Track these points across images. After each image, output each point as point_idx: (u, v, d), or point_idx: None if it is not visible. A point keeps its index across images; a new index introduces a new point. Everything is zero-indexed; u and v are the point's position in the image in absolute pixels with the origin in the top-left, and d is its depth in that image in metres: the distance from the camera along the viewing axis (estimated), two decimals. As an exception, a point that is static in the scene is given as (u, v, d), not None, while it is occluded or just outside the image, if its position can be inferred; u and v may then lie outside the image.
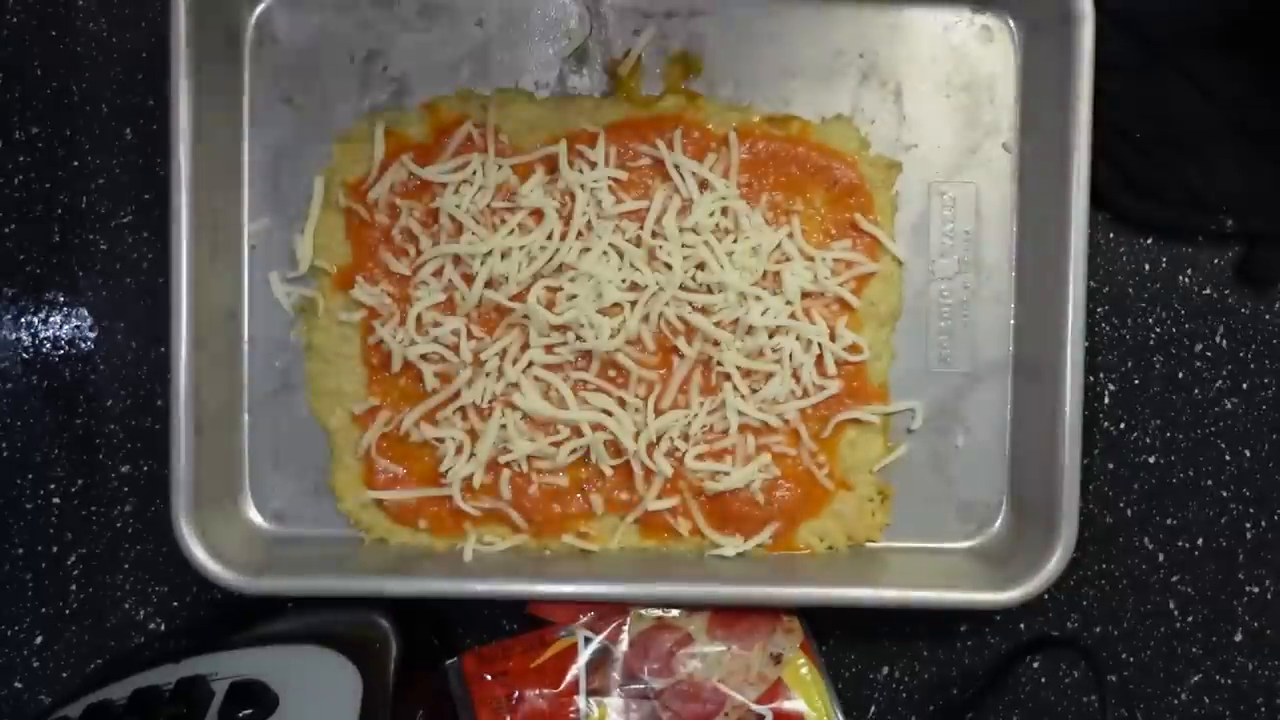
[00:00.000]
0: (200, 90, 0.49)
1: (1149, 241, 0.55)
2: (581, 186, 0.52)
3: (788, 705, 0.51)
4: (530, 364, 0.52)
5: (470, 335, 0.52)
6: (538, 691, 0.51)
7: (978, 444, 0.54)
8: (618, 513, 0.53)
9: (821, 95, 0.53)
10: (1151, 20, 0.53)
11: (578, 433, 0.52)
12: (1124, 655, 0.56)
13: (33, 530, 0.56)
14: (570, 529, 0.53)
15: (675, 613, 0.52)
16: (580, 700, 0.51)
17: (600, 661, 0.52)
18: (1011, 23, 0.53)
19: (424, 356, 0.52)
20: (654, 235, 0.52)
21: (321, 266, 0.53)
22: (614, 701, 0.51)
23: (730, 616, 0.52)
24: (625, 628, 0.52)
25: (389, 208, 0.53)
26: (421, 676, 0.51)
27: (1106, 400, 0.55)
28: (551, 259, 0.52)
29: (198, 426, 0.50)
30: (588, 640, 0.52)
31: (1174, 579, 0.56)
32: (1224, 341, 0.55)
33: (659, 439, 0.52)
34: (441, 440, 0.52)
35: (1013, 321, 0.54)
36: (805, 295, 0.52)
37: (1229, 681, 0.56)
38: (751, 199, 0.53)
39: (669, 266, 0.52)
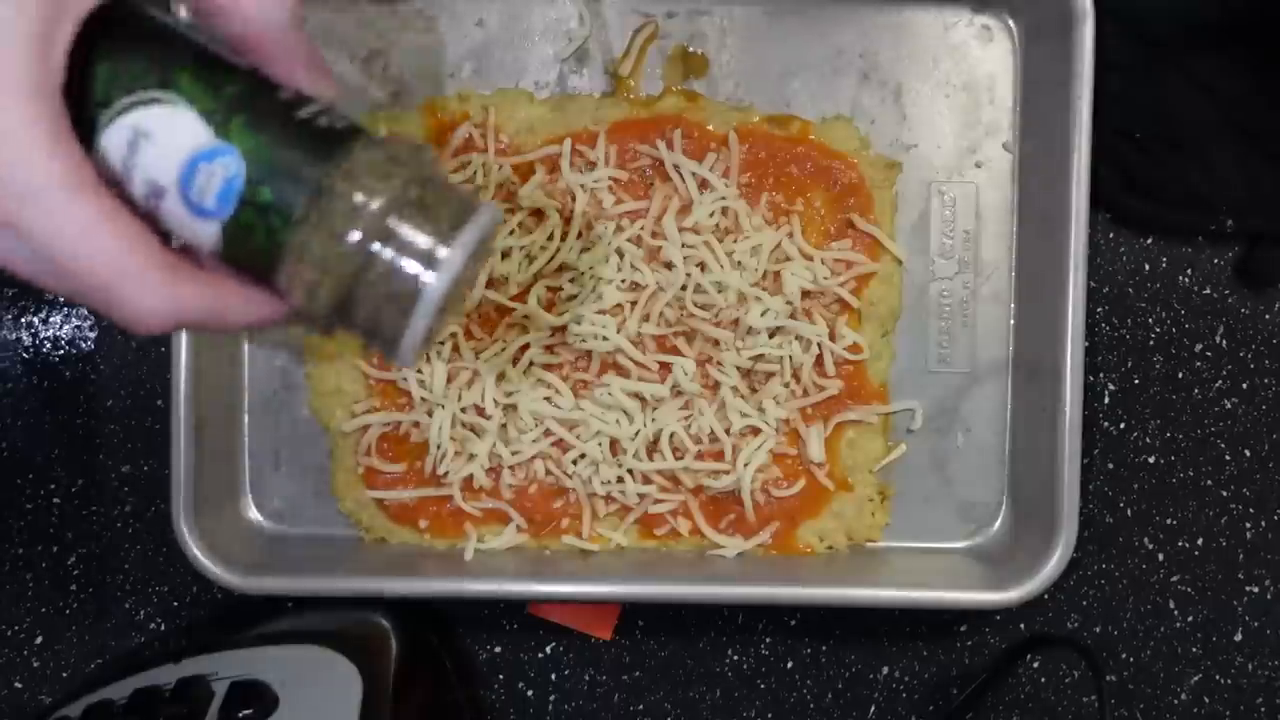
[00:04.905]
0: (200, 90, 0.49)
1: (1149, 241, 0.55)
2: (581, 186, 0.52)
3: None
4: (530, 364, 0.52)
5: (470, 335, 0.52)
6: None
7: (977, 444, 0.54)
8: (618, 513, 0.53)
9: (821, 95, 0.53)
10: (1151, 19, 0.53)
11: (577, 433, 0.52)
12: (1123, 655, 0.56)
13: (33, 530, 0.56)
14: (570, 529, 0.53)
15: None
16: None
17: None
18: (1011, 22, 0.53)
19: (424, 357, 0.52)
20: (654, 235, 0.52)
21: (322, 266, 0.53)
22: None
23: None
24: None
25: (389, 208, 0.53)
26: (421, 676, 0.51)
27: (1106, 400, 0.55)
28: (552, 259, 0.52)
29: (198, 426, 0.50)
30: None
31: (1174, 579, 0.56)
32: (1224, 341, 0.55)
33: (659, 439, 0.52)
34: (440, 445, 0.52)
35: (1012, 321, 0.54)
36: (805, 295, 0.52)
37: (1229, 681, 0.56)
38: (751, 199, 0.53)
39: (669, 266, 0.52)
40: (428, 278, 0.29)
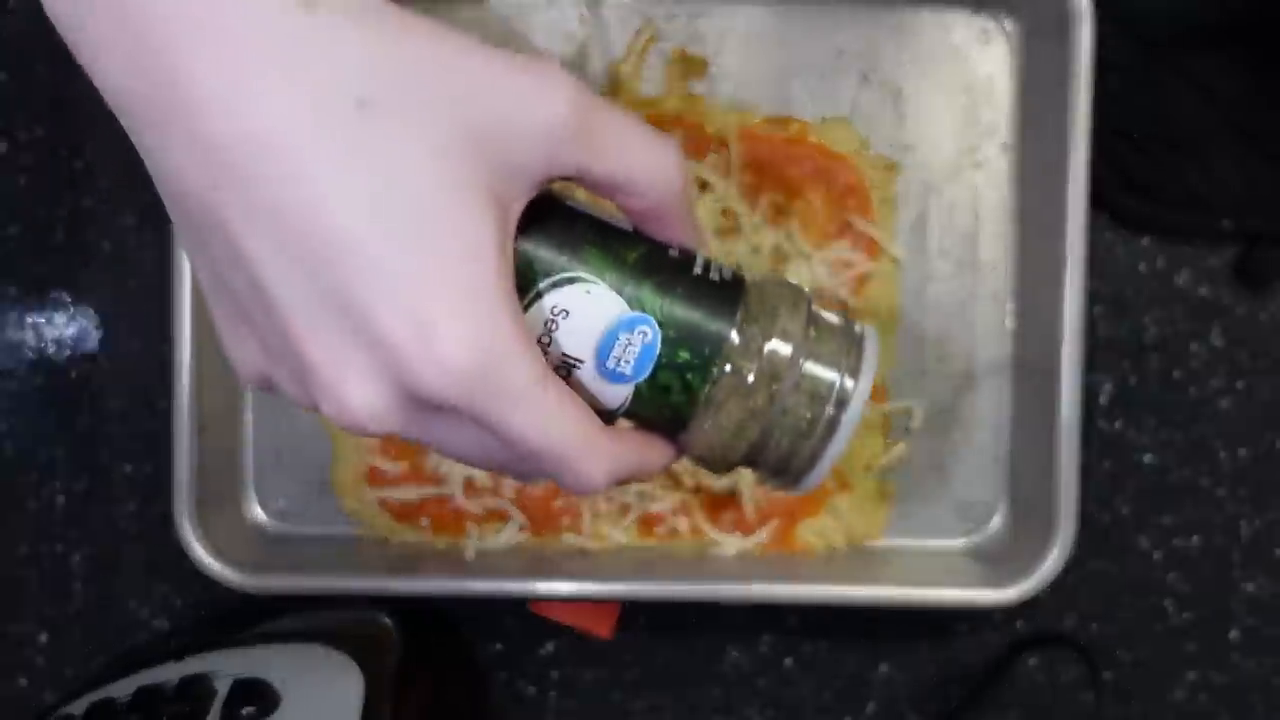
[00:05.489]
0: (202, 92, 0.49)
1: (1147, 241, 0.55)
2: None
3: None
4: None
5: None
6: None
7: (976, 443, 0.54)
8: (617, 511, 0.53)
9: (821, 96, 0.54)
10: (1149, 20, 0.53)
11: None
12: (1120, 653, 0.56)
13: (37, 529, 0.56)
14: (570, 527, 0.53)
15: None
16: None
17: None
18: (1010, 23, 0.53)
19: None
20: (654, 236, 0.52)
21: (323, 267, 0.53)
22: None
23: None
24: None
25: (390, 208, 0.53)
26: (422, 675, 0.51)
27: (1103, 400, 0.55)
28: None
29: (200, 426, 0.51)
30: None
31: (1170, 577, 0.56)
32: (1220, 341, 0.55)
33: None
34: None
35: (1011, 321, 0.54)
36: (804, 295, 0.53)
37: (1225, 679, 0.56)
38: (751, 199, 0.53)
39: (669, 267, 0.52)
40: (840, 413, 0.30)
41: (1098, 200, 0.52)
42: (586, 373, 0.30)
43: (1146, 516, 0.56)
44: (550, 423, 0.28)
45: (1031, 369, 0.52)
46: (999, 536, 0.54)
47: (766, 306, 0.30)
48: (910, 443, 0.54)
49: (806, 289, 0.32)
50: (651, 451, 0.31)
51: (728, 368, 0.29)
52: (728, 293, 0.30)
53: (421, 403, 0.27)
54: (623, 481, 0.31)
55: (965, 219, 0.54)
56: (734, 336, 0.29)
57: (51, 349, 0.56)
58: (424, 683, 0.51)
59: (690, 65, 0.53)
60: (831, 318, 0.31)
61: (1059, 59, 0.50)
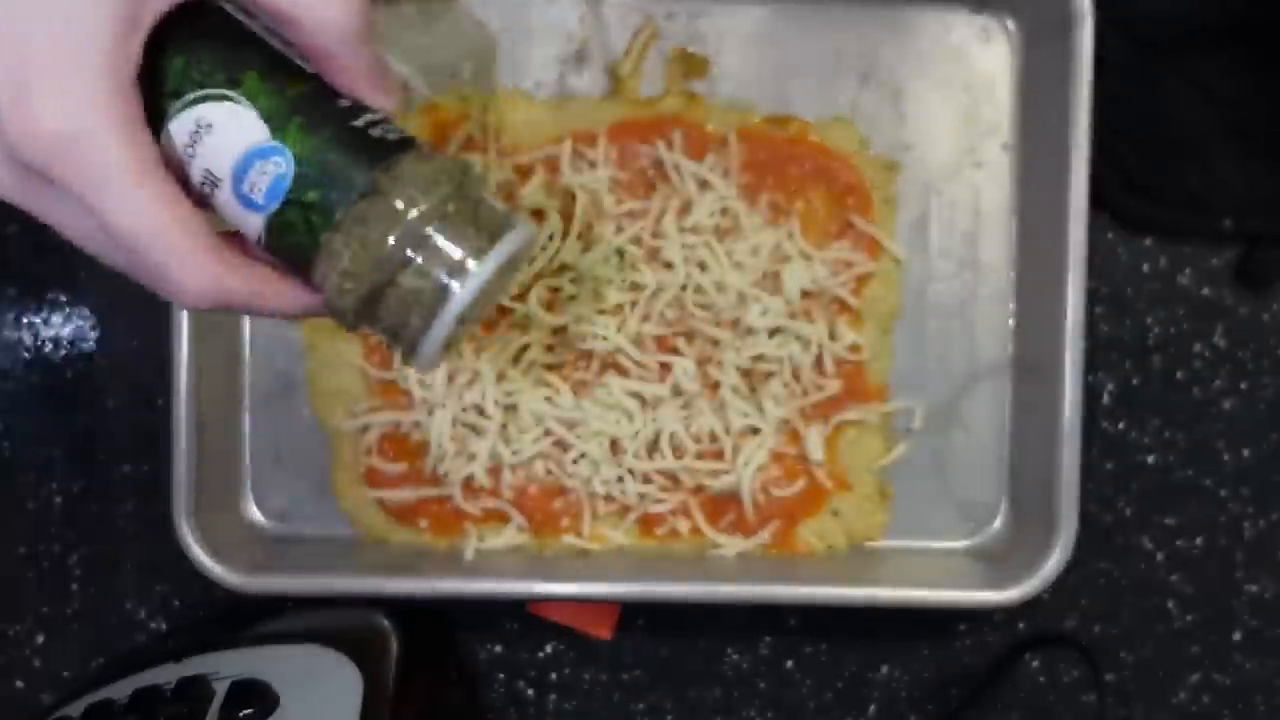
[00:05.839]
0: (201, 91, 0.49)
1: (1148, 242, 0.55)
2: (582, 187, 0.52)
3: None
4: (531, 364, 0.52)
5: (470, 335, 0.52)
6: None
7: (977, 443, 0.54)
8: (618, 512, 0.53)
9: (821, 95, 0.53)
10: (1150, 21, 0.53)
11: (578, 432, 0.52)
12: (1122, 654, 0.56)
13: (34, 530, 0.56)
14: (570, 528, 0.53)
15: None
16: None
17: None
18: (1011, 23, 0.53)
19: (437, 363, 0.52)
20: (654, 235, 0.52)
21: (322, 266, 0.53)
22: None
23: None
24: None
25: (389, 208, 0.53)
26: (421, 676, 0.51)
27: (1105, 400, 0.55)
28: (552, 259, 0.52)
29: (198, 426, 0.50)
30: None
31: (1173, 578, 0.56)
32: (1222, 341, 0.55)
33: (658, 438, 0.52)
34: (440, 445, 0.52)
35: (1012, 321, 0.54)
36: (805, 295, 0.53)
37: (1227, 680, 0.56)
38: (751, 199, 0.53)
39: (669, 266, 0.52)
40: (454, 287, 0.31)
41: (1098, 200, 0.52)
42: (224, 193, 0.31)
43: (1149, 517, 0.56)
44: (139, 213, 0.29)
45: (1032, 369, 0.52)
46: (1000, 537, 0.54)
47: (415, 170, 0.31)
48: (910, 443, 0.54)
49: (478, 171, 0.33)
50: (272, 287, 0.32)
51: (351, 218, 0.30)
52: (380, 149, 0.31)
53: (27, 168, 0.29)
54: (236, 309, 0.32)
55: (966, 219, 0.54)
56: (366, 189, 0.30)
57: (49, 348, 0.56)
58: (423, 683, 0.51)
59: (690, 65, 0.53)
60: (488, 201, 0.32)
61: (1059, 59, 0.50)
